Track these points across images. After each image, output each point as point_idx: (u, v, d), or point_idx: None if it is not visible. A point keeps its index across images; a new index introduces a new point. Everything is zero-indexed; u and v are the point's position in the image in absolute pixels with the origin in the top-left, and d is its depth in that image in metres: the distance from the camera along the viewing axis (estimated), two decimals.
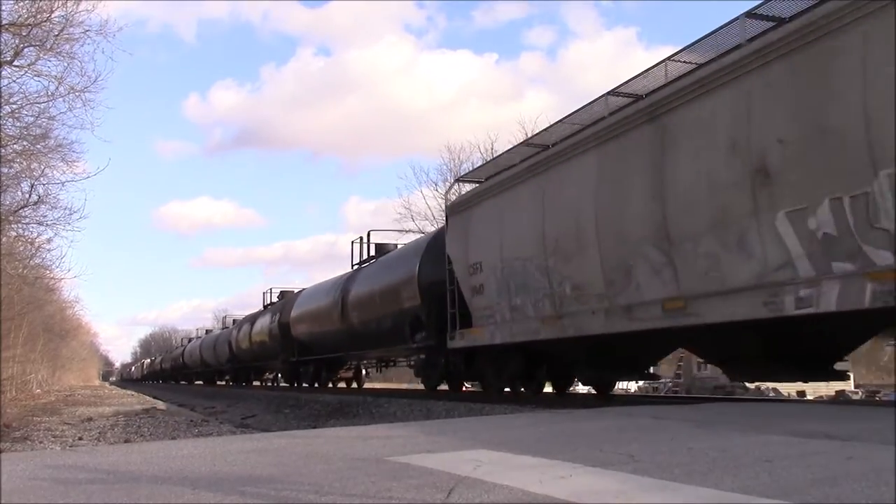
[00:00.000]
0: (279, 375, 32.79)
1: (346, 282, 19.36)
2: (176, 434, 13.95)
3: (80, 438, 13.59)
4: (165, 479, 3.66)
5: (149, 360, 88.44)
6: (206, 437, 11.69)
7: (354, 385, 26.02)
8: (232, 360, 34.43)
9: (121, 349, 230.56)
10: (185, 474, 3.77)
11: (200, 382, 47.06)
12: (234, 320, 39.12)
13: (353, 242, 20.89)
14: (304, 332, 22.39)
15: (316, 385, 23.71)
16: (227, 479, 3.63)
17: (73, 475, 3.85)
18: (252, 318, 31.13)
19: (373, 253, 20.54)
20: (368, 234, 20.44)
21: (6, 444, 11.85)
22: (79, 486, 3.52)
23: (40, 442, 13.12)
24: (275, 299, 30.32)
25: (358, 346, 18.71)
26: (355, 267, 20.20)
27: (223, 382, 41.58)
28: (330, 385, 24.46)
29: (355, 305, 17.95)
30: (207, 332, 50.74)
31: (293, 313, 23.18)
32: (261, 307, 35.26)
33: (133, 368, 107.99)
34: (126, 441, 12.21)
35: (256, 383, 35.17)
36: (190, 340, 54.43)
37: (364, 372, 26.37)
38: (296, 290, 27.72)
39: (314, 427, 11.60)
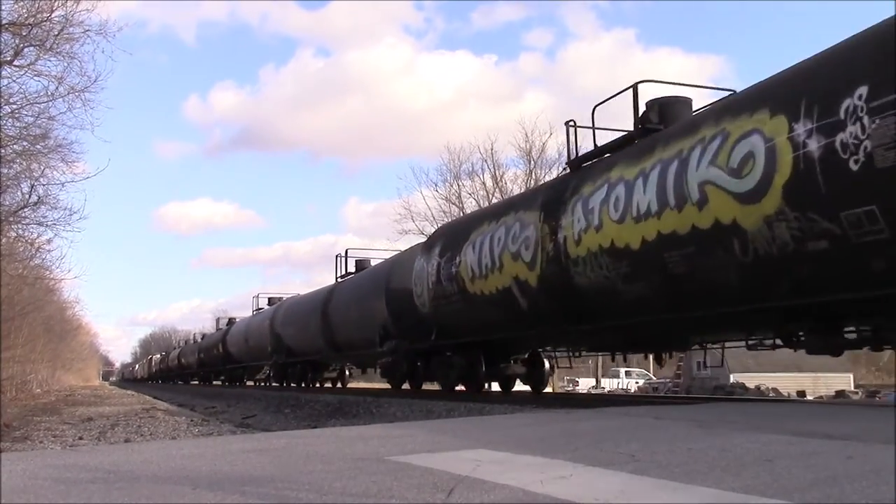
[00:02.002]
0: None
1: None
2: (176, 434, 13.94)
3: (81, 438, 13.57)
4: (166, 478, 3.66)
5: (158, 356, 70.79)
6: (207, 436, 11.70)
7: None
8: (388, 335, 15.77)
9: (121, 349, 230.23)
10: (186, 474, 3.77)
11: (252, 384, 31.99)
12: (356, 263, 21.13)
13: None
14: None
15: None
16: (227, 478, 3.63)
17: (74, 475, 3.85)
18: (498, 211, 12.45)
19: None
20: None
21: (6, 444, 11.83)
22: (79, 486, 3.52)
23: (40, 442, 13.11)
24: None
25: None
26: None
27: (330, 385, 24.81)
28: None
29: None
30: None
31: None
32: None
33: (136, 367, 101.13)
34: (126, 441, 12.20)
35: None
36: (230, 323, 37.54)
37: None
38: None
39: (314, 427, 11.59)
